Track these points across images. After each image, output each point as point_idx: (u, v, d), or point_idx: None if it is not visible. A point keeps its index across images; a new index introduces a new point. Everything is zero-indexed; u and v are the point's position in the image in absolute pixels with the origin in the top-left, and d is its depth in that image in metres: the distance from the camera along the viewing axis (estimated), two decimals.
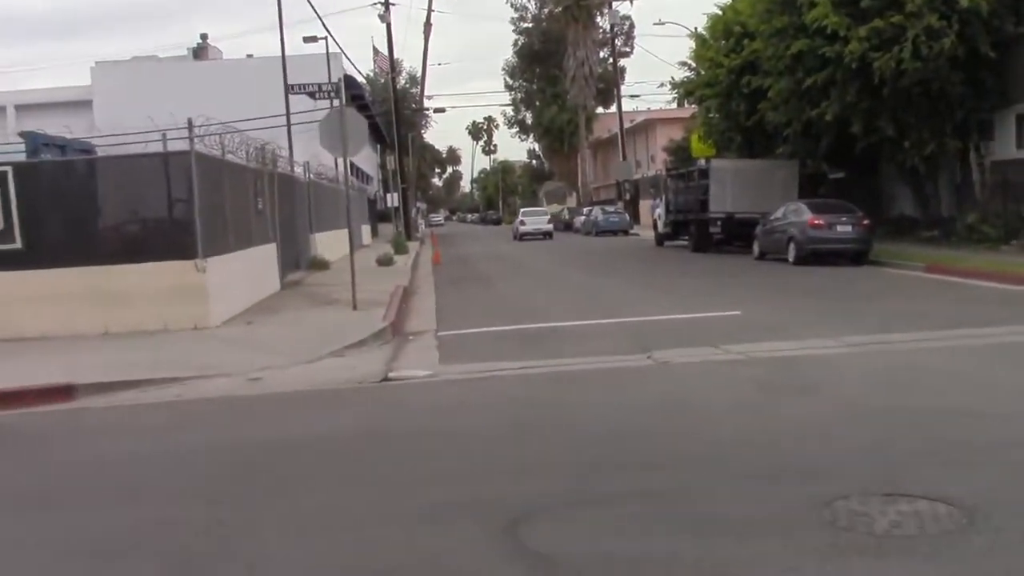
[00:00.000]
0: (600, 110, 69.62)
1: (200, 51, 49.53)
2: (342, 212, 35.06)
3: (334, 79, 45.35)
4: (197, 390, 10.18)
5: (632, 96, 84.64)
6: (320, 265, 24.96)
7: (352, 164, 50.49)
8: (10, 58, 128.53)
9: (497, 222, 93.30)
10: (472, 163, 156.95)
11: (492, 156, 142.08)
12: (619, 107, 56.16)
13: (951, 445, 6.60)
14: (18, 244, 13.43)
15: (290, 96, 31.42)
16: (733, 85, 28.95)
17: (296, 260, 23.07)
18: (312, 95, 31.84)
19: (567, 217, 57.63)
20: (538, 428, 7.72)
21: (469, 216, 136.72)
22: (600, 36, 64.85)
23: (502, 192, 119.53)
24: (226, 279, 14.80)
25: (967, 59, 22.55)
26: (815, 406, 8.07)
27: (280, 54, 35.43)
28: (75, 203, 13.67)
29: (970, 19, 22.15)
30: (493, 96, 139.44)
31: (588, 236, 46.77)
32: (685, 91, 32.54)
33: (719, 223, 27.63)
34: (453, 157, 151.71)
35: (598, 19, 63.11)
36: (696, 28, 33.31)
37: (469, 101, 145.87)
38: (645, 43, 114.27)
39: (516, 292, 19.57)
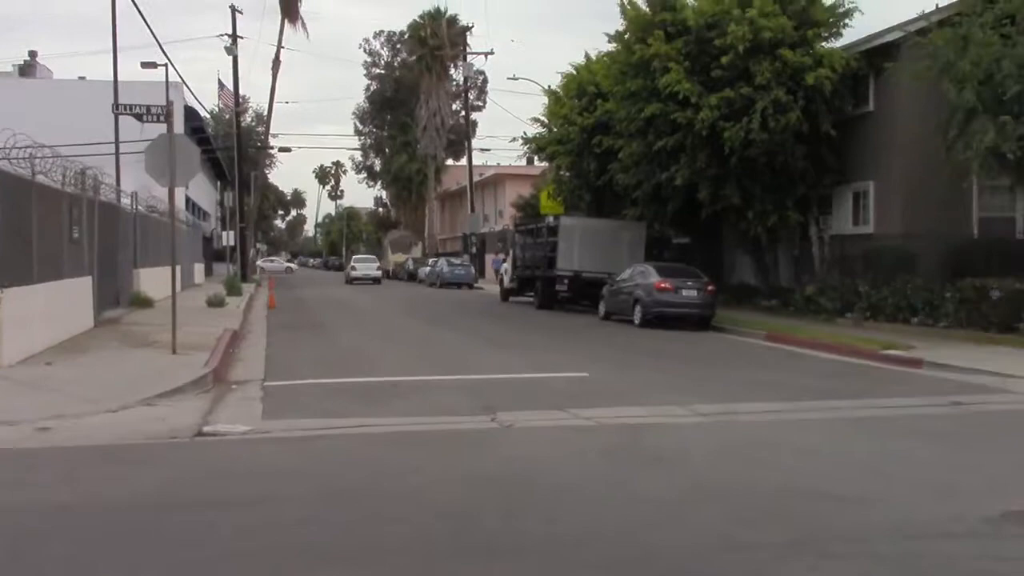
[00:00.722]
0: (450, 161, 69.42)
1: (27, 68, 46.48)
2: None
3: (172, 106, 43.70)
4: None
5: (483, 150, 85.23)
6: (143, 303, 23.19)
7: (188, 198, 48.41)
8: None
9: (339, 268, 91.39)
10: (317, 207, 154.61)
11: (338, 201, 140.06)
12: (469, 159, 56.03)
13: (813, 534, 6.06)
14: None
15: (120, 120, 29.34)
16: (585, 144, 29.01)
17: (116, 296, 21.31)
18: (139, 117, 29.84)
19: (411, 267, 56.75)
20: (361, 501, 6.78)
21: (311, 260, 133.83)
22: (453, 88, 64.87)
23: (346, 238, 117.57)
24: (25, 313, 13.20)
25: (810, 135, 23.26)
26: (665, 482, 7.45)
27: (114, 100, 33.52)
28: None
29: (814, 96, 22.88)
30: (342, 140, 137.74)
31: (432, 287, 46.03)
32: (537, 146, 32.47)
33: (566, 281, 27.37)
34: (298, 200, 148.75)
35: (451, 71, 63.13)
36: (550, 85, 33.46)
37: (317, 143, 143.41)
38: (497, 98, 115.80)
39: (354, 342, 18.53)
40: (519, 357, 15.98)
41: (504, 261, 36.96)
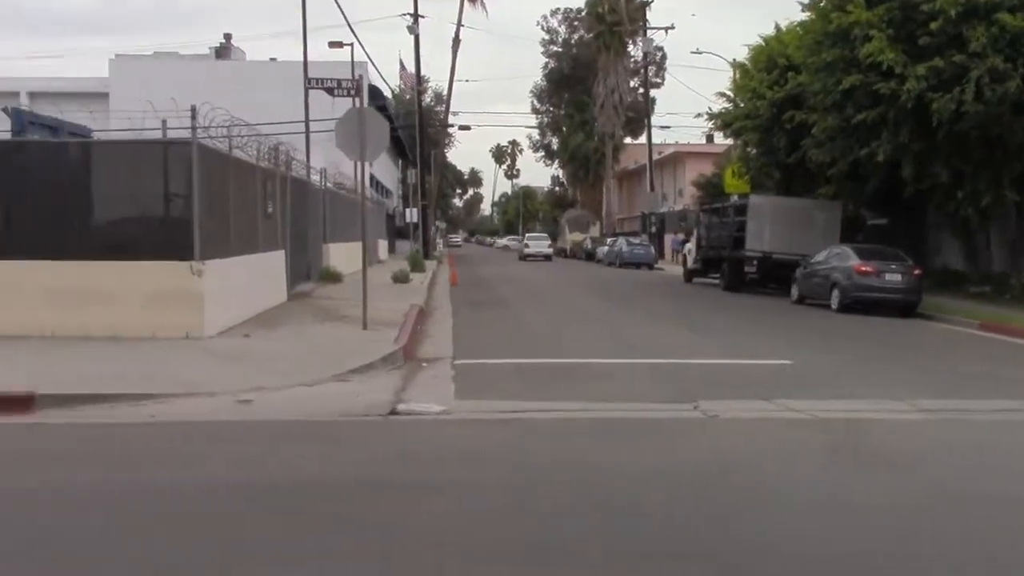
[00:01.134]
0: (628, 140, 68.39)
1: (223, 51, 48.55)
2: (359, 224, 33.90)
3: (362, 80, 44.67)
4: (175, 410, 8.82)
5: (663, 127, 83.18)
6: (332, 277, 23.62)
7: (372, 176, 49.51)
8: (38, 48, 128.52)
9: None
10: (494, 186, 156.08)
11: (514, 180, 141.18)
12: (649, 137, 54.87)
13: None
14: None
15: (309, 96, 30.03)
16: (775, 119, 27.57)
17: (307, 270, 21.75)
18: (330, 91, 30.40)
19: (590, 247, 56.18)
20: (556, 492, 6.29)
21: (488, 239, 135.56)
22: (631, 65, 63.77)
23: (523, 217, 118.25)
24: (225, 285, 13.45)
25: None
26: (906, 489, 6.62)
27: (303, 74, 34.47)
28: (61, 189, 12.36)
29: None
30: (519, 118, 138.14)
31: (611, 267, 45.38)
32: (722, 122, 31.15)
33: (755, 262, 26.17)
34: (475, 179, 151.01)
35: (630, 47, 62.05)
36: (735, 59, 32.08)
37: (494, 121, 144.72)
38: (676, 75, 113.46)
39: (540, 320, 18.17)
40: (713, 341, 15.19)
41: (686, 241, 35.90)
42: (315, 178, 23.95)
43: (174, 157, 12.44)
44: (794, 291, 23.55)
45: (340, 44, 38.28)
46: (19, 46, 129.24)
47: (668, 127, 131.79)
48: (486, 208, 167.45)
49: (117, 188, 12.61)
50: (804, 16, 25.91)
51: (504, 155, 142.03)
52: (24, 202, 12.36)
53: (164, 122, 12.45)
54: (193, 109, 12.37)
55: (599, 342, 14.80)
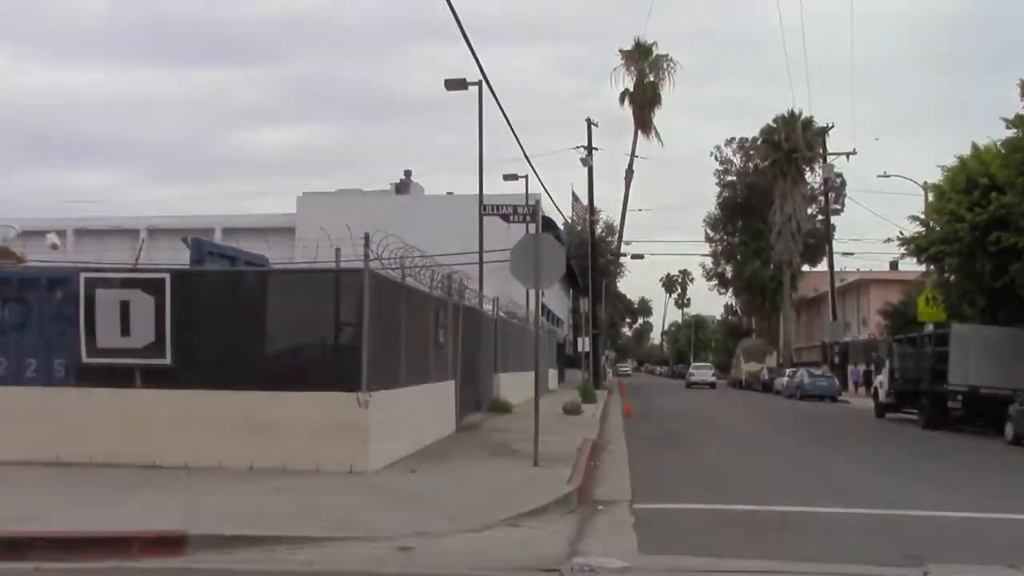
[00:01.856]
0: (805, 267, 66.05)
1: (402, 186, 50.08)
2: (529, 353, 33.44)
3: (539, 206, 44.99)
4: (332, 557, 8.06)
5: (846, 254, 79.97)
6: (502, 408, 22.93)
7: (544, 305, 49.34)
8: (239, 189, 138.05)
9: (682, 376, 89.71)
10: (664, 315, 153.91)
11: (684, 310, 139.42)
12: (830, 265, 52.70)
13: None
14: (167, 360, 12.01)
15: (484, 225, 30.13)
16: (977, 242, 25.49)
17: (476, 401, 21.16)
18: (506, 218, 30.41)
19: (767, 377, 53.78)
20: None
21: (658, 368, 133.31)
22: (809, 191, 62.03)
23: (693, 346, 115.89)
24: (392, 417, 12.87)
25: None
26: None
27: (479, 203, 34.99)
28: (234, 318, 12.21)
29: None
30: (691, 246, 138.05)
31: (791, 399, 43.01)
32: (916, 247, 29.17)
33: (959, 397, 23.82)
34: (644, 308, 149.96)
35: (807, 174, 60.41)
36: (926, 182, 30.27)
37: (666, 250, 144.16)
38: (857, 200, 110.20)
39: (723, 459, 16.76)
40: (928, 488, 13.39)
41: (868, 371, 33.53)
42: (487, 307, 23.61)
43: (346, 285, 12.12)
44: (1009, 430, 21.09)
45: (515, 176, 38.81)
46: (219, 188, 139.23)
47: (852, 254, 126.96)
48: (655, 337, 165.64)
49: (288, 317, 12.39)
50: (1010, 133, 24.16)
51: (674, 284, 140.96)
52: (198, 331, 12.26)
53: (337, 251, 12.20)
54: (366, 237, 12.08)
55: (795, 486, 13.31)
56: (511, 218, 30.34)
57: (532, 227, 23.85)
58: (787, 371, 49.64)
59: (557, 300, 58.56)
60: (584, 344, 44.93)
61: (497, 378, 24.33)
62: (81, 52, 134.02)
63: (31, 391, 12.42)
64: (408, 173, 51.18)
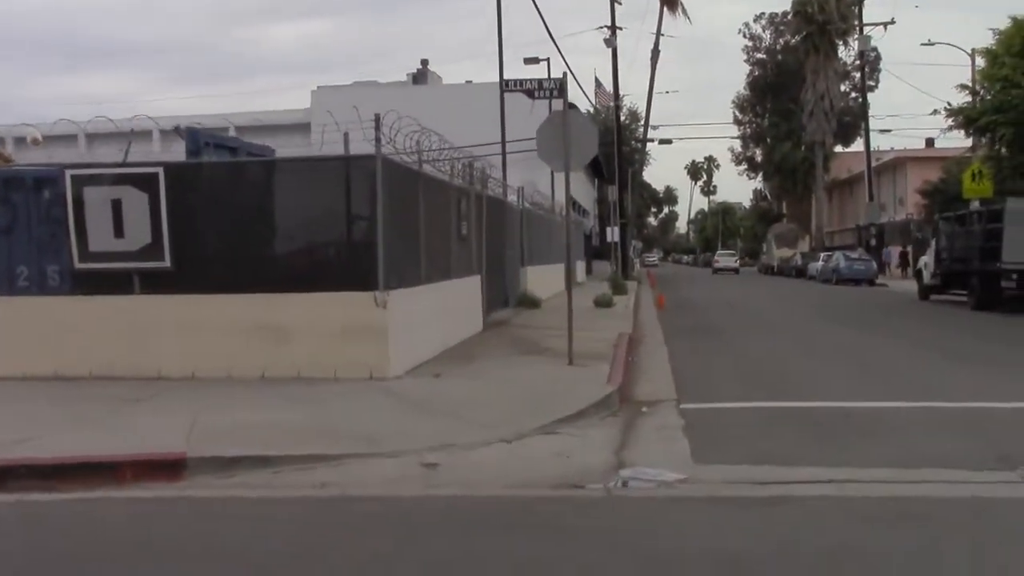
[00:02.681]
0: (838, 148, 63.96)
1: (419, 77, 48.33)
2: (556, 245, 32.33)
3: (566, 79, 43.26)
4: (347, 478, 7.15)
5: (883, 131, 76.67)
6: (530, 303, 21.94)
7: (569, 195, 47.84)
8: (256, 86, 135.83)
9: (710, 264, 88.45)
10: (690, 203, 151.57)
11: (711, 197, 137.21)
12: (867, 143, 50.67)
13: None
14: (167, 263, 11.00)
15: (506, 109, 28.64)
16: None
17: (504, 296, 20.15)
18: (530, 93, 28.68)
19: (800, 262, 52.42)
20: None
21: (684, 258, 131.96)
22: (842, 68, 59.55)
23: (721, 234, 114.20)
24: (414, 317, 11.88)
25: None
26: None
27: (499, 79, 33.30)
28: (237, 215, 11.11)
29: None
30: (717, 130, 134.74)
31: (826, 284, 41.81)
32: (965, 118, 27.46)
33: (1014, 276, 22.51)
34: (669, 197, 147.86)
35: (840, 49, 57.87)
36: (973, 49, 28.33)
37: (694, 133, 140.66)
38: (893, 74, 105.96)
39: (766, 351, 15.72)
40: (1001, 377, 12.29)
41: (920, 254, 32.22)
42: (511, 197, 22.39)
43: (356, 174, 10.97)
44: None
45: (536, 60, 37.12)
46: (233, 87, 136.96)
47: (889, 131, 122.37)
48: (681, 226, 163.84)
49: (296, 212, 11.27)
50: None
51: (700, 172, 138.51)
52: (198, 230, 11.22)
53: (346, 135, 11.00)
54: (377, 119, 10.88)
55: (851, 379, 12.26)
56: (536, 94, 28.57)
57: (559, 105, 22.46)
58: (821, 255, 48.27)
59: (583, 190, 57.00)
60: (613, 234, 43.66)
61: (524, 272, 23.28)
62: None
63: (24, 301, 11.50)
64: (425, 63, 49.38)
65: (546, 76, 41.89)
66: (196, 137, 11.36)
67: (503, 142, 27.04)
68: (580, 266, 41.93)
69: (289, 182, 11.31)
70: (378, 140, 10.83)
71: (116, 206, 10.95)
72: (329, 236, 11.14)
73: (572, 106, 44.22)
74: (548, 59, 38.02)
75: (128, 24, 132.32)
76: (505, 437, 8.34)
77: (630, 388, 11.29)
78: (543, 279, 25.78)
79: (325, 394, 9.97)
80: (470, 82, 47.33)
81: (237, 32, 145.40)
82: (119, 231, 10.98)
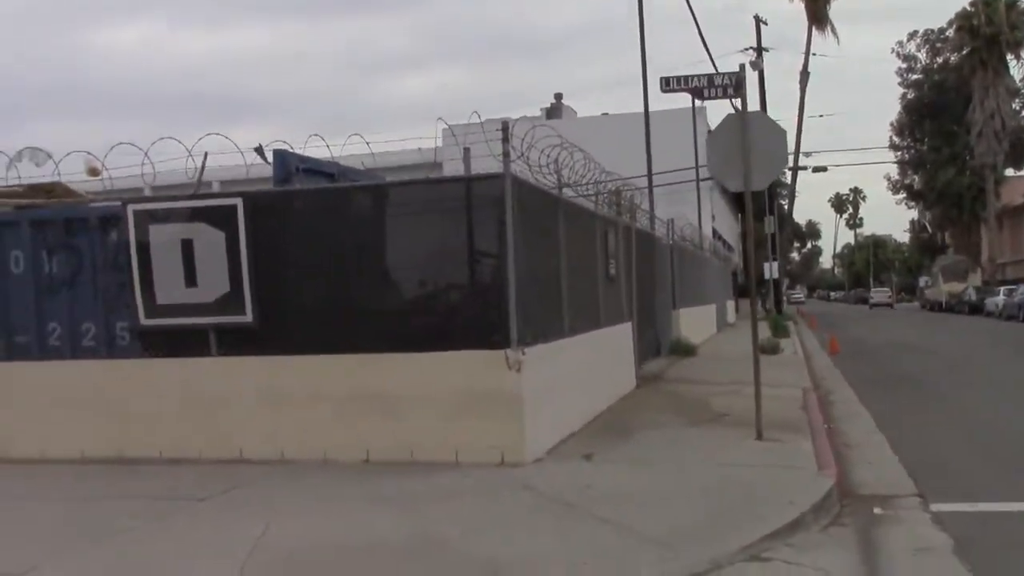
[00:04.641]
0: (1010, 171, 58.53)
1: (553, 111, 46.17)
2: (708, 284, 29.43)
3: (700, 136, 40.33)
4: None
5: None
6: (685, 350, 19.16)
7: (714, 230, 44.79)
8: (391, 136, 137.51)
9: (864, 300, 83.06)
10: (835, 237, 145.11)
11: (857, 230, 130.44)
12: None
13: None
14: (248, 317, 8.81)
15: (652, 139, 25.89)
16: None
17: (656, 344, 17.44)
18: (699, 92, 25.30)
19: (973, 297, 47.53)
20: None
21: (831, 294, 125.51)
22: (1014, 84, 54.49)
23: (873, 268, 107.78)
24: (556, 379, 9.35)
25: None
26: None
27: (638, 109, 30.80)
28: (334, 257, 8.86)
29: None
30: (870, 155, 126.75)
31: (1010, 321, 37.26)
32: None
33: None
34: (812, 231, 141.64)
35: (1012, 63, 52.91)
36: None
37: (843, 160, 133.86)
38: None
39: (996, 411, 12.50)
40: None
41: None
42: (660, 230, 19.72)
43: (480, 200, 8.57)
44: None
45: (674, 91, 34.51)
46: (369, 137, 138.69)
47: None
48: (824, 261, 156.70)
49: (405, 252, 8.92)
50: None
51: (845, 204, 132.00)
52: (286, 275, 9.01)
53: (466, 150, 8.71)
54: (505, 127, 8.50)
55: None
56: (705, 92, 25.30)
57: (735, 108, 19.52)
58: (1001, 289, 43.43)
59: (725, 224, 53.69)
60: (772, 271, 40.01)
61: (676, 315, 20.49)
62: (234, 13, 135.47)
63: (90, 365, 9.54)
64: (559, 96, 47.25)
65: (689, 107, 39.38)
66: (285, 160, 9.18)
67: (649, 170, 24.41)
68: (730, 306, 38.73)
69: (398, 213, 8.99)
70: (506, 154, 8.42)
71: (187, 248, 8.86)
72: (447, 280, 8.73)
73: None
74: (689, 93, 35.40)
75: (256, 79, 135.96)
76: (695, 569, 5.67)
77: (845, 473, 8.42)
78: (695, 322, 22.96)
79: (439, 491, 7.49)
80: (607, 114, 44.96)
81: (370, 85, 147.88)
82: (191, 279, 8.88)
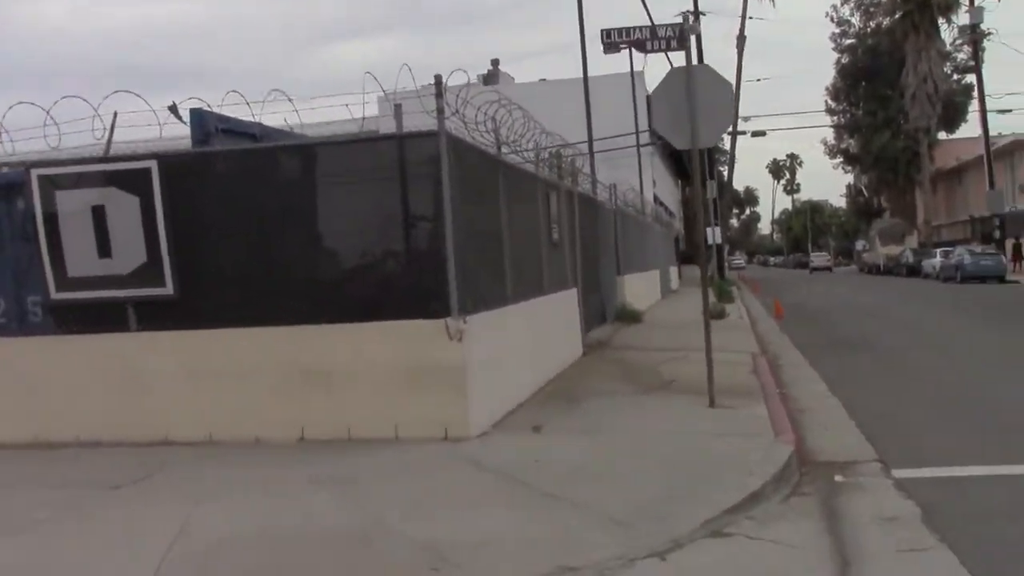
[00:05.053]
0: (942, 135, 59.31)
1: (490, 77, 45.42)
2: (651, 250, 29.16)
3: (639, 100, 39.91)
4: None
5: (1002, 111, 70.66)
6: (630, 317, 18.84)
7: (655, 195, 44.55)
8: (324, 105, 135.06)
9: (804, 265, 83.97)
10: (772, 203, 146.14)
11: (794, 196, 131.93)
12: (984, 124, 46.03)
13: None
14: (168, 288, 8.20)
15: (591, 99, 25.39)
16: None
17: (601, 311, 17.07)
18: (640, 45, 24.36)
19: (911, 259, 48.13)
20: None
21: (771, 259, 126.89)
22: (945, 48, 55.05)
23: (811, 232, 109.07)
24: (500, 348, 8.91)
25: None
26: None
27: (576, 75, 30.37)
28: (259, 222, 8.27)
29: None
30: (803, 119, 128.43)
31: (948, 283, 37.73)
32: None
33: None
34: (750, 197, 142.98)
35: (943, 27, 53.40)
36: None
37: (782, 124, 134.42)
38: (1009, 46, 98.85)
39: (945, 371, 12.39)
40: None
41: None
42: (603, 195, 19.30)
43: (414, 159, 8.04)
44: None
45: (616, 48, 34.17)
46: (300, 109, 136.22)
47: (1009, 111, 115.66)
48: (763, 227, 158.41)
49: (336, 216, 8.35)
50: None
51: (782, 170, 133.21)
52: (208, 243, 8.38)
53: (398, 107, 8.13)
54: (438, 81, 7.97)
55: None
56: (648, 45, 24.53)
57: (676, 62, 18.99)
58: (938, 251, 43.99)
59: (667, 189, 53.65)
60: (715, 236, 39.97)
61: (621, 281, 20.15)
62: None
63: (1, 343, 8.84)
64: (495, 62, 46.46)
65: (627, 70, 38.96)
66: (204, 120, 8.53)
67: (589, 133, 24.02)
68: (673, 272, 38.62)
69: (326, 174, 8.41)
70: (440, 111, 7.89)
71: (99, 215, 8.20)
72: (381, 245, 8.18)
73: None
74: (630, 47, 35.04)
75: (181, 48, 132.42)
76: (655, 548, 5.27)
77: (801, 439, 8.11)
78: (640, 289, 22.66)
79: (379, 470, 7.01)
80: (544, 80, 44.38)
81: (305, 56, 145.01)
82: (104, 249, 8.23)
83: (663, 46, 24.09)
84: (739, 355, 13.19)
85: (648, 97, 41.46)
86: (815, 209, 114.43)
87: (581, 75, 30.77)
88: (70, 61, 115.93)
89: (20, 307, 8.89)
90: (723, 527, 5.65)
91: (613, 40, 24.69)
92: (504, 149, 9.98)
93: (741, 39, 46.58)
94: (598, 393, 10.17)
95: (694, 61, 9.29)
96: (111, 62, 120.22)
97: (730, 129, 54.63)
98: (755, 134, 49.42)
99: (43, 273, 8.40)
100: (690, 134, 9.01)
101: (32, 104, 7.84)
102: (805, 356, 14.27)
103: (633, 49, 24.88)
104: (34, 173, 8.24)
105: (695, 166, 9.34)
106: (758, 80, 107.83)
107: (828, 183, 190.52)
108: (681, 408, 9.16)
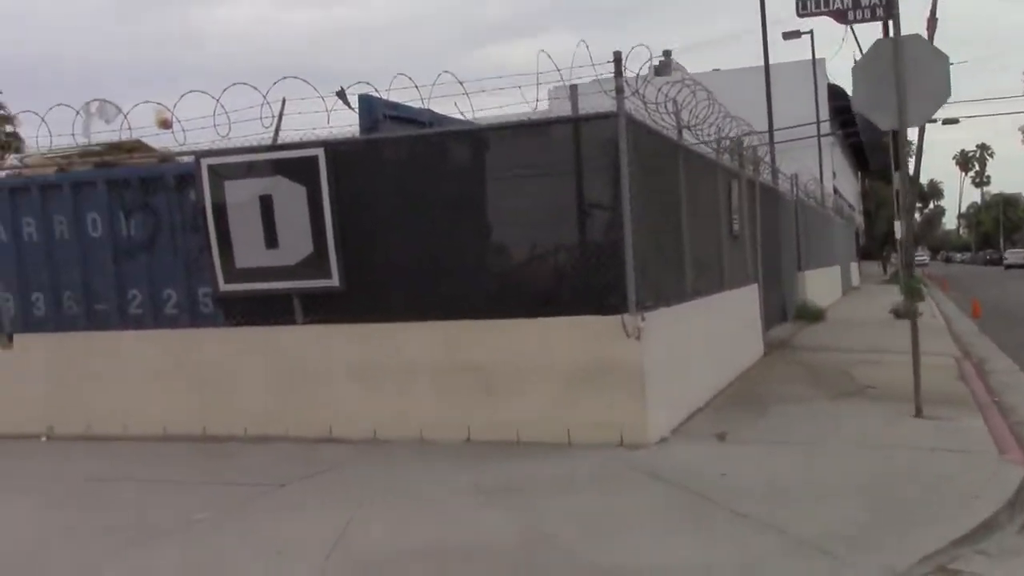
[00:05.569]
0: None
1: (662, 69, 44.31)
2: (832, 244, 27.60)
3: (821, 88, 38.00)
4: None
5: None
6: (812, 316, 17.70)
7: (835, 188, 42.40)
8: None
9: (997, 262, 78.47)
10: (959, 197, 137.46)
11: (984, 189, 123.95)
12: None
13: None
14: (334, 280, 7.94)
15: (772, 91, 24.22)
16: None
17: (782, 308, 16.05)
18: (841, 15, 22.68)
19: None
20: None
21: (957, 256, 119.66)
22: None
23: (1003, 228, 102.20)
24: (680, 347, 8.25)
25: None
26: None
27: (749, 65, 29.14)
28: (422, 211, 7.88)
29: None
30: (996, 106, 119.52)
31: None
32: None
33: None
34: (934, 190, 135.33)
35: None
36: None
37: (972, 111, 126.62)
38: None
39: None
40: None
41: None
42: (783, 185, 18.21)
43: (590, 143, 7.49)
44: None
45: (797, 34, 32.66)
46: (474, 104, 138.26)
47: None
48: (948, 222, 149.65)
49: (502, 204, 7.89)
50: None
51: (971, 162, 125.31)
52: (376, 234, 8.07)
53: (573, 88, 7.60)
54: (617, 58, 7.36)
55: None
56: (850, 14, 22.88)
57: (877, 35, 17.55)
58: None
59: (846, 182, 51.06)
60: (901, 228, 37.58)
61: (802, 277, 18.99)
62: None
63: (172, 335, 8.83)
64: (668, 53, 45.33)
65: (809, 59, 37.12)
66: (372, 106, 8.23)
67: (770, 120, 22.84)
68: (854, 268, 36.66)
69: (498, 162, 7.95)
70: (619, 90, 7.29)
71: (266, 205, 8.02)
72: (555, 235, 7.65)
73: (838, 89, 38.99)
74: (811, 31, 33.51)
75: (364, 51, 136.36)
76: None
77: None
78: (821, 285, 21.40)
79: (552, 479, 6.48)
80: (718, 70, 42.99)
81: (463, 59, 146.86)
82: (271, 239, 8.05)
83: (867, 15, 22.41)
84: (940, 358, 11.99)
85: (829, 86, 39.65)
86: (1008, 203, 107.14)
87: (754, 65, 29.52)
88: (241, 63, 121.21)
89: (191, 298, 8.87)
90: (948, 562, 4.83)
91: (810, 10, 23.16)
92: (685, 134, 9.27)
93: (932, 21, 43.67)
94: (785, 398, 9.33)
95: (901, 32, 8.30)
96: (278, 67, 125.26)
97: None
98: (946, 122, 46.05)
99: (212, 264, 8.30)
100: (896, 112, 8.06)
101: (203, 93, 7.71)
102: (1016, 361, 12.87)
103: (833, 20, 23.27)
104: (204, 162, 8.14)
105: (901, 141, 8.34)
106: (963, 62, 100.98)
107: (1021, 176, 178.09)
108: (882, 417, 8.22)
